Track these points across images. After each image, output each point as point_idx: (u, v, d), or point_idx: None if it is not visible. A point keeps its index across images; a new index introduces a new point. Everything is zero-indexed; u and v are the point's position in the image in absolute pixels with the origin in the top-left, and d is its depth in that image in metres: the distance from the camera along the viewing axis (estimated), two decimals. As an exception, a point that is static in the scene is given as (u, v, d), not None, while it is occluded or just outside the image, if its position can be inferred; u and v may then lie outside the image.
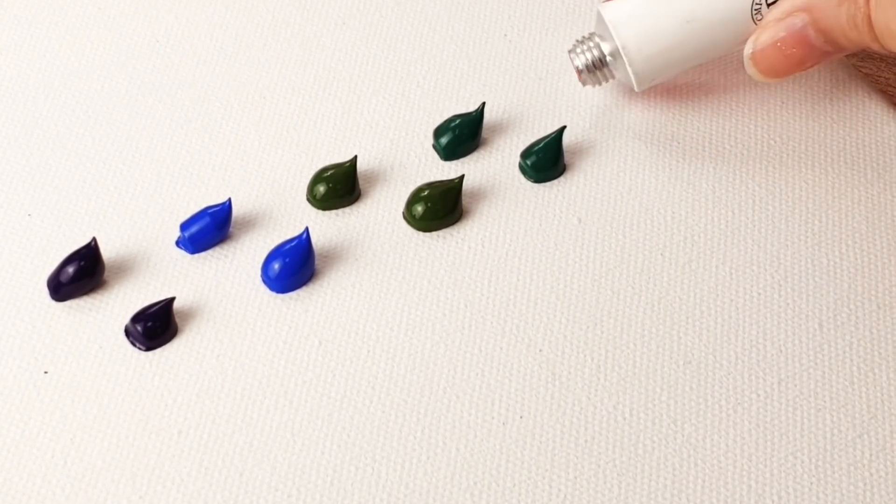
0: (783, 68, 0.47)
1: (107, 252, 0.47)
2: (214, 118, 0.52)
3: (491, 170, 0.50)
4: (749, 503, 0.42)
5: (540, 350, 0.45)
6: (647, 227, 0.48)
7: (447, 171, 0.50)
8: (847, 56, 0.54)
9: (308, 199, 0.49)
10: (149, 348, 0.45)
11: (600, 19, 0.49)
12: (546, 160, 0.50)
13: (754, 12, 0.48)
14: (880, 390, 0.44)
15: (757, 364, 0.45)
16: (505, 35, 0.54)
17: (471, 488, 0.42)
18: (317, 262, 0.47)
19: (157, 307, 0.45)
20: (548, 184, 0.50)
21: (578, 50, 0.50)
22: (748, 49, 0.47)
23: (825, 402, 0.44)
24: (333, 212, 0.49)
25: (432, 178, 0.50)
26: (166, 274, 0.47)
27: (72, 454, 0.43)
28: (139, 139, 0.51)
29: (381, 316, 0.46)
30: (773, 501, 0.42)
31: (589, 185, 0.50)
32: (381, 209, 0.49)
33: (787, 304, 0.46)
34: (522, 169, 0.50)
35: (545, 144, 0.50)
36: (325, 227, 0.49)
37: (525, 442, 0.43)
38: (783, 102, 0.52)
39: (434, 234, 0.48)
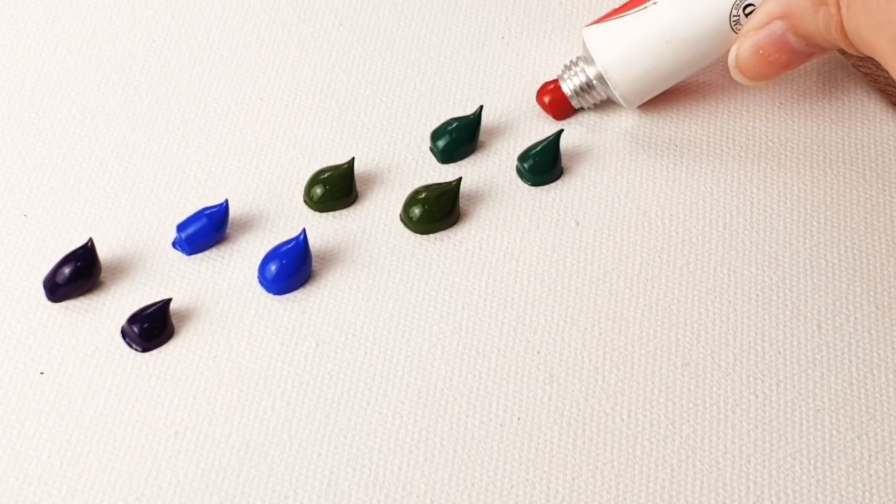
0: (769, 72, 0.47)
1: (103, 253, 0.47)
2: (211, 119, 0.51)
3: (488, 173, 0.50)
4: (748, 505, 0.42)
5: (538, 352, 0.45)
6: (644, 230, 0.48)
7: (444, 173, 0.50)
8: (846, 56, 0.54)
9: (305, 201, 0.49)
10: (145, 349, 0.45)
11: (584, 43, 0.50)
12: (543, 163, 0.50)
13: (733, 23, 0.48)
14: (879, 391, 0.44)
15: (755, 365, 0.45)
16: (502, 38, 0.54)
17: (468, 490, 0.42)
18: (314, 263, 0.47)
19: (153, 308, 0.45)
20: (545, 187, 0.50)
21: (566, 76, 0.51)
22: (732, 59, 0.48)
23: (824, 403, 0.44)
24: (330, 214, 0.49)
25: (430, 181, 0.50)
26: (163, 275, 0.47)
27: (68, 455, 0.43)
28: (136, 140, 0.51)
29: (379, 318, 0.46)
30: (771, 503, 0.42)
31: (586, 188, 0.50)
32: (379, 211, 0.49)
33: (786, 305, 0.46)
34: (520, 172, 0.50)
35: (542, 147, 0.50)
36: (323, 229, 0.48)
37: (523, 444, 0.43)
38: (781, 103, 0.52)
39: (431, 236, 0.48)
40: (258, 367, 0.45)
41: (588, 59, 0.50)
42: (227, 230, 0.48)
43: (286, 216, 0.49)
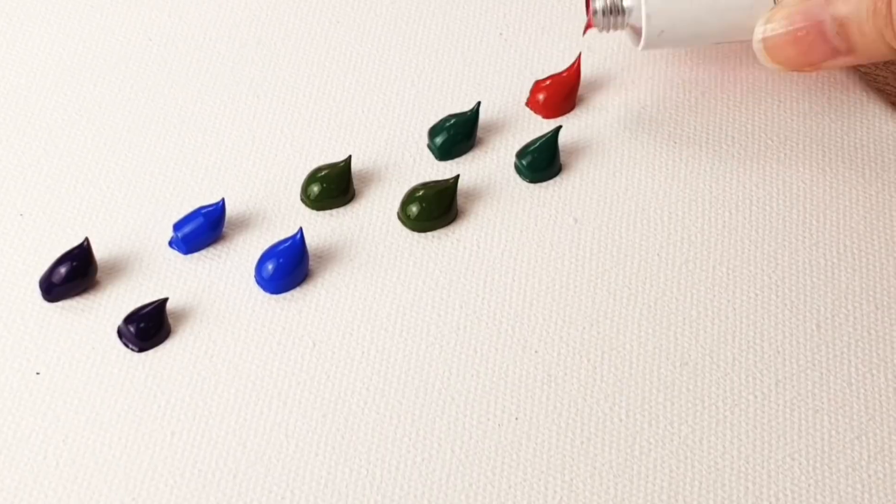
0: (791, 54, 0.46)
1: (99, 252, 0.47)
2: (208, 117, 0.51)
3: (486, 170, 0.50)
4: (746, 505, 0.42)
5: (536, 351, 0.45)
6: (643, 228, 0.48)
7: (442, 171, 0.50)
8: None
9: (302, 200, 0.49)
10: (142, 349, 0.45)
11: None
12: (542, 160, 0.50)
13: None
14: (879, 391, 0.44)
15: (754, 365, 0.45)
16: (500, 34, 0.54)
17: (466, 490, 0.42)
18: (311, 262, 0.47)
19: (149, 308, 0.45)
20: (543, 184, 0.50)
21: None
22: (759, 27, 0.47)
23: (823, 403, 0.44)
24: (327, 212, 0.49)
25: (427, 179, 0.50)
26: (159, 274, 0.47)
27: (64, 456, 0.43)
28: (132, 138, 0.51)
29: (376, 317, 0.46)
30: (770, 503, 0.42)
31: (585, 186, 0.49)
32: (376, 209, 0.49)
33: (785, 304, 0.46)
34: (518, 169, 0.50)
35: (541, 144, 0.50)
36: (320, 228, 0.48)
37: (521, 443, 0.43)
38: (780, 102, 0.52)
39: (429, 234, 0.48)
40: (255, 367, 0.45)
41: None
42: (224, 229, 0.48)
43: (283, 215, 0.49)
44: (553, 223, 0.48)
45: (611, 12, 0.49)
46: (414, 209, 0.48)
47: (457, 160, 0.50)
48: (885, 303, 0.46)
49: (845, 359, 0.45)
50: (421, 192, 0.48)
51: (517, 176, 0.50)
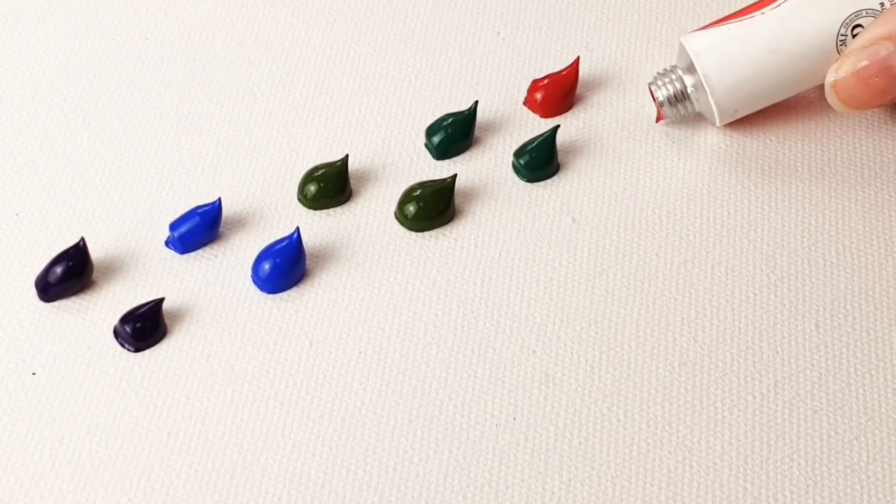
0: (865, 98, 0.46)
1: (95, 252, 0.47)
2: (204, 117, 0.51)
3: (484, 169, 0.50)
4: (745, 506, 0.42)
5: (533, 351, 0.45)
6: (641, 227, 0.48)
7: (439, 170, 0.50)
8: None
9: (299, 199, 0.49)
10: (138, 349, 0.45)
11: (682, 50, 0.49)
12: (539, 159, 0.49)
13: (839, 42, 0.47)
14: (878, 392, 0.44)
15: (753, 365, 0.45)
16: (498, 33, 0.54)
17: (463, 490, 0.42)
18: (308, 262, 0.47)
19: (146, 308, 0.45)
20: (541, 183, 0.49)
21: (660, 82, 0.50)
22: (829, 77, 0.47)
23: (822, 403, 0.44)
24: (324, 211, 0.49)
25: (424, 178, 0.49)
26: (155, 274, 0.47)
27: (60, 456, 0.43)
28: (128, 138, 0.51)
29: (373, 317, 0.46)
30: (769, 504, 0.42)
31: (583, 185, 0.49)
32: (373, 209, 0.49)
33: (784, 304, 0.46)
34: (516, 168, 0.50)
35: (539, 143, 0.50)
36: (316, 227, 0.48)
37: (518, 444, 0.43)
38: (778, 102, 0.52)
39: (426, 234, 0.48)
40: (252, 367, 0.45)
41: (685, 68, 0.49)
42: (221, 229, 0.48)
43: (280, 214, 0.49)
44: (551, 223, 0.48)
45: (676, 100, 0.49)
46: (411, 208, 0.48)
47: (454, 159, 0.50)
48: (883, 303, 0.46)
49: (844, 359, 0.45)
50: (418, 192, 0.48)
51: (515, 175, 0.50)
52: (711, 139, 0.51)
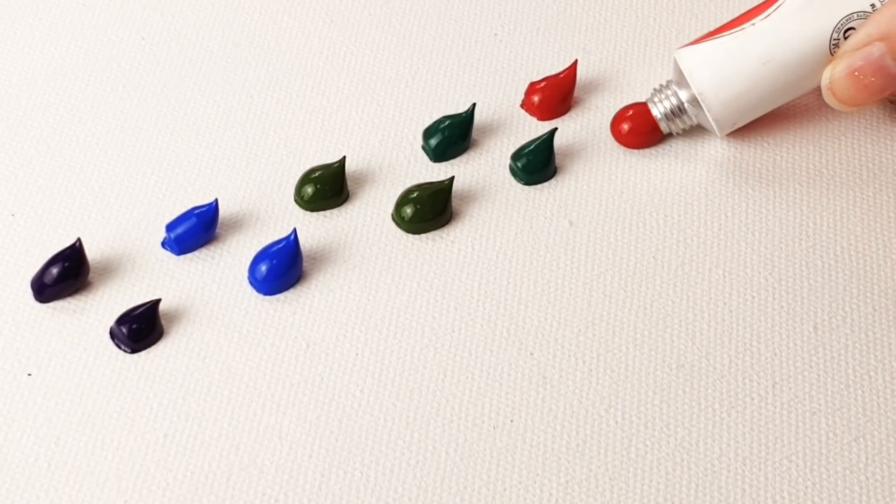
0: (862, 96, 0.46)
1: (91, 253, 0.47)
2: (201, 118, 0.51)
3: (481, 172, 0.50)
4: (743, 508, 0.42)
5: (531, 353, 0.45)
6: (639, 230, 0.48)
7: (437, 172, 0.50)
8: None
9: (296, 201, 0.49)
10: (134, 350, 0.45)
11: (676, 66, 0.49)
12: (537, 162, 0.49)
13: (832, 47, 0.47)
14: (876, 393, 0.44)
15: (751, 367, 0.45)
16: (495, 35, 0.54)
17: (461, 493, 0.42)
18: (304, 264, 0.47)
19: (142, 309, 0.45)
20: (538, 186, 0.49)
21: (656, 99, 0.50)
22: (825, 79, 0.47)
23: (820, 405, 0.44)
24: (321, 213, 0.49)
25: (422, 180, 0.49)
26: (152, 275, 0.47)
27: (56, 457, 0.43)
28: (124, 138, 0.50)
29: (370, 319, 0.46)
30: (767, 506, 0.42)
31: (580, 188, 0.49)
32: (370, 211, 0.49)
33: (782, 306, 0.46)
34: (513, 171, 0.50)
35: (536, 146, 0.49)
36: (313, 229, 0.48)
37: (516, 446, 0.43)
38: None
39: (423, 236, 0.48)
40: (248, 369, 0.45)
41: (680, 82, 0.49)
42: (217, 230, 0.48)
43: (276, 216, 0.48)
44: (548, 225, 0.48)
45: (674, 115, 0.49)
46: (408, 211, 0.48)
47: (451, 162, 0.50)
48: (882, 305, 0.46)
49: (843, 361, 0.45)
50: (415, 194, 0.48)
51: (512, 178, 0.50)
52: (708, 142, 0.51)
